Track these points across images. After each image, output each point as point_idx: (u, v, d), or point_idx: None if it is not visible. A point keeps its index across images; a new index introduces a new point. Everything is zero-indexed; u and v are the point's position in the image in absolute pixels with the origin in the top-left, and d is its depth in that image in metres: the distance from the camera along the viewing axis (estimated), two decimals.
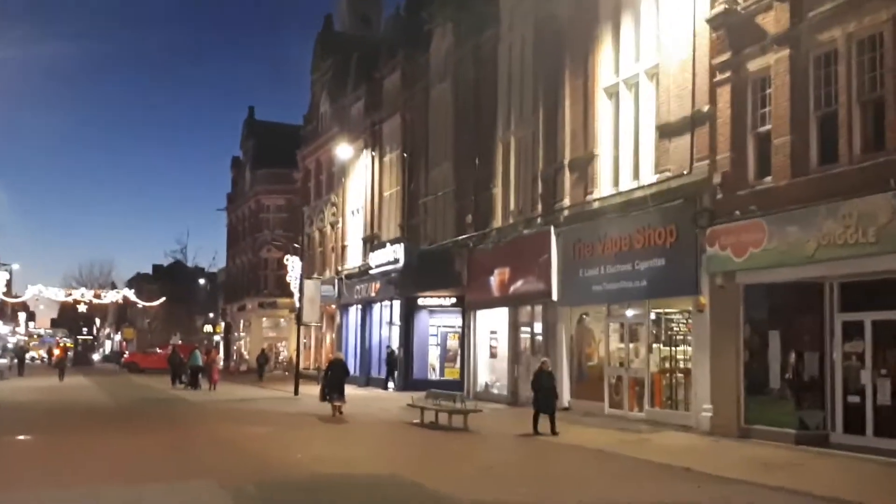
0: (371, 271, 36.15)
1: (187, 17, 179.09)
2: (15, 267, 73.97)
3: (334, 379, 22.83)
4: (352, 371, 29.75)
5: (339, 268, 42.28)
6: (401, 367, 33.60)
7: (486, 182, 27.94)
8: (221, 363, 44.78)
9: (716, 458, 13.98)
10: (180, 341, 67.00)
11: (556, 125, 23.72)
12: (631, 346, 20.72)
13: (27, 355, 65.54)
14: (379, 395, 31.82)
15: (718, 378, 17.22)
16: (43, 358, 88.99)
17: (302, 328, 38.23)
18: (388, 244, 34.50)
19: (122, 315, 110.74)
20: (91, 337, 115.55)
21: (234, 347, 65.63)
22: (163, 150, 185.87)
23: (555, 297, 23.14)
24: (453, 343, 33.04)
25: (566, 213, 22.95)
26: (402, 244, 33.17)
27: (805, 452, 14.46)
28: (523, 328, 25.97)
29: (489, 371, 28.32)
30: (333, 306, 42.48)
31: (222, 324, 69.60)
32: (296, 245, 43.41)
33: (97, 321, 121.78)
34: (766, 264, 15.97)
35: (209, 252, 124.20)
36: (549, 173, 24.13)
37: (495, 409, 24.05)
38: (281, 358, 56.51)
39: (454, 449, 16.13)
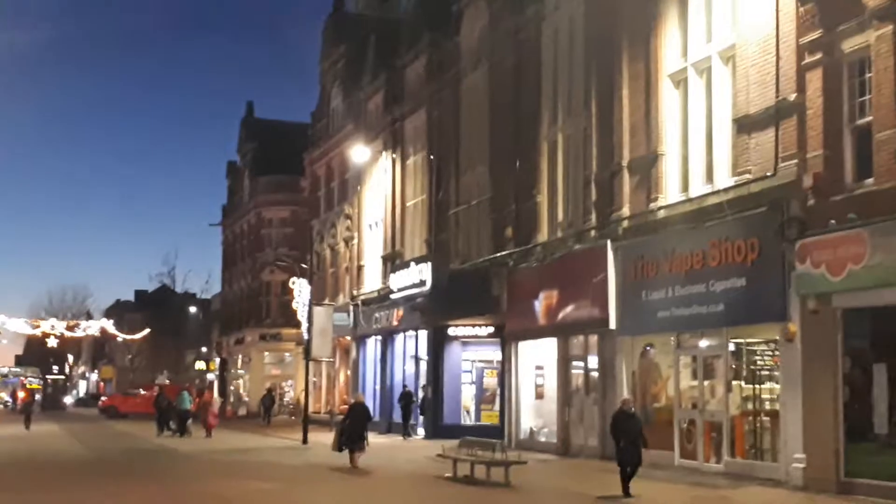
0: (393, 296, 36.24)
1: None
2: None
3: (355, 425, 22.90)
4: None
5: (355, 292, 42.41)
6: (428, 409, 33.58)
7: (528, 189, 27.95)
8: (218, 406, 44.93)
9: None
10: (168, 381, 67.54)
11: (612, 119, 23.70)
12: (706, 383, 20.58)
13: None
14: (403, 443, 31.81)
15: (812, 421, 17.04)
16: (6, 402, 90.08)
17: (311, 364, 38.36)
18: (412, 263, 34.59)
19: (99, 350, 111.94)
20: (63, 376, 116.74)
21: (232, 387, 65.98)
22: (147, 155, 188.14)
23: (613, 324, 23.07)
24: (491, 381, 32.96)
25: (625, 224, 22.89)
26: (430, 263, 33.24)
27: None
28: (575, 362, 25.90)
29: (534, 414, 28.23)
30: (348, 338, 42.57)
31: (217, 360, 70.05)
32: (303, 265, 43.60)
33: (70, 358, 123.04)
34: (869, 284, 15.81)
35: (202, 275, 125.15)
36: (604, 177, 24.10)
37: (543, 460, 23.97)
38: (286, 400, 56.75)
39: None
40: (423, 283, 33.30)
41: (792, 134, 17.83)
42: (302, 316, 42.45)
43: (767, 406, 18.93)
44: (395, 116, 39.09)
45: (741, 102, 19.28)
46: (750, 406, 19.43)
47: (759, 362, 19.43)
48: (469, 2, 32.85)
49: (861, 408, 16.26)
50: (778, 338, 18.19)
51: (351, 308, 42.01)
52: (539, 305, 26.65)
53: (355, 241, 43.59)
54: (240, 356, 63.83)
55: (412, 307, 34.82)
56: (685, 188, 21.34)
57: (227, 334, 66.18)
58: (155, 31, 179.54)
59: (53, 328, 75.53)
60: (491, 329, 31.38)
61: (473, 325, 32.26)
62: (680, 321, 20.78)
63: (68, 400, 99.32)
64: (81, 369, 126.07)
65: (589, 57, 25.23)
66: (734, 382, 19.75)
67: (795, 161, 17.67)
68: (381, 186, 40.46)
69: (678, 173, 21.61)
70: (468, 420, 33.31)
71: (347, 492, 18.92)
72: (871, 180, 16.17)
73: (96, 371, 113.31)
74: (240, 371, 64.43)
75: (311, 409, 38.51)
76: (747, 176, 18.94)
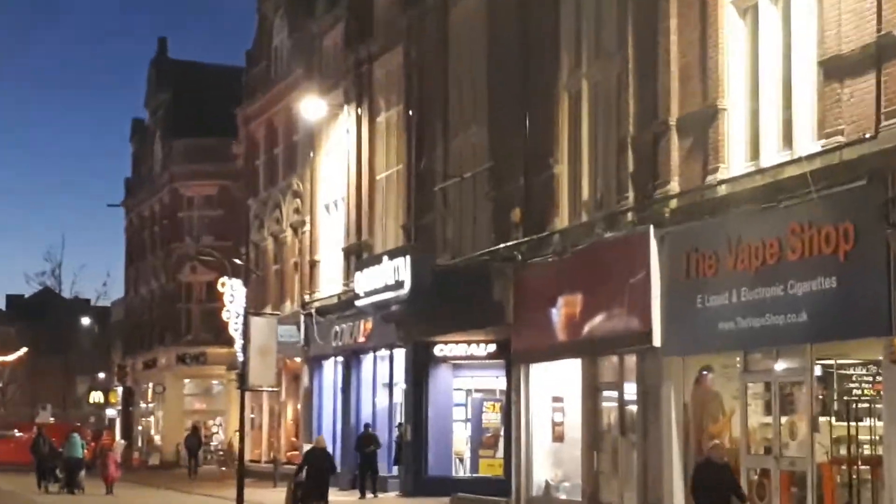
0: (358, 302, 36.20)
1: None
2: None
3: (314, 477, 22.94)
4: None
5: (307, 297, 42.41)
6: (407, 457, 33.61)
7: (542, 156, 27.94)
8: (121, 452, 44.96)
9: None
10: (52, 418, 67.38)
11: (656, 62, 23.68)
12: (783, 420, 20.56)
13: None
14: (374, 502, 31.81)
15: None
16: None
17: (248, 396, 38.29)
18: (385, 258, 34.54)
19: None
20: None
21: (139, 427, 65.94)
22: (19, 110, 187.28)
23: (657, 340, 23.05)
24: (492, 417, 33.04)
25: (674, 203, 22.86)
26: (408, 258, 33.17)
27: None
28: (607, 392, 25.91)
29: (552, 463, 28.24)
30: (298, 359, 42.58)
31: (119, 389, 69.99)
32: (236, 261, 43.60)
33: None
34: None
35: (98, 275, 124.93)
36: (644, 140, 24.08)
37: None
38: (214, 444, 56.79)
39: None
40: (399, 284, 33.23)
41: None
42: (235, 330, 42.45)
43: (867, 450, 18.94)
44: (361, 58, 39.03)
45: (830, 39, 19.27)
46: (843, 450, 19.44)
47: (855, 391, 19.43)
48: None
49: None
50: (881, 358, 18.19)
51: (302, 319, 42.01)
52: (557, 315, 26.63)
53: (307, 227, 43.57)
54: (150, 385, 63.78)
55: (385, 318, 34.81)
56: (754, 155, 21.33)
57: (133, 355, 66.15)
58: None
59: None
60: (492, 347, 31.41)
61: (468, 342, 32.32)
62: (748, 336, 20.75)
63: None
64: None
65: None
66: (822, 419, 19.72)
67: None
68: (341, 153, 40.42)
69: (745, 135, 21.60)
70: (461, 471, 33.40)
71: None
72: None
73: None
74: (150, 405, 64.39)
75: (248, 456, 38.47)
76: (839, 139, 18.94)
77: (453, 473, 33.05)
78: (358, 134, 39.14)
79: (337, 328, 38.91)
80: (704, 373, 22.76)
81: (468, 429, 33.85)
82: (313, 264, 42.66)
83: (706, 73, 22.26)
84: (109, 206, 74.02)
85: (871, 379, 19.02)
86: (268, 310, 44.38)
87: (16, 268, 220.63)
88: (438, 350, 33.22)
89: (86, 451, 38.70)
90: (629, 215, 24.45)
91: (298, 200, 44.52)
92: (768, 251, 20.18)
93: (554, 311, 26.76)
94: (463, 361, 33.20)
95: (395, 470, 34.56)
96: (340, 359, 39.46)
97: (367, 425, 35.28)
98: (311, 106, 38.89)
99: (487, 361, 32.00)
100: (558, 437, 28.02)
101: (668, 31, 23.34)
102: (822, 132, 19.49)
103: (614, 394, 25.58)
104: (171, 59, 65.75)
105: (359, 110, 39.09)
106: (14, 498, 35.73)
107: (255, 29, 52.21)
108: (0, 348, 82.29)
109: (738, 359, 21.56)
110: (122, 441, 57.27)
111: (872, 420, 18.84)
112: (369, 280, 35.14)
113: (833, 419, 19.65)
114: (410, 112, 35.29)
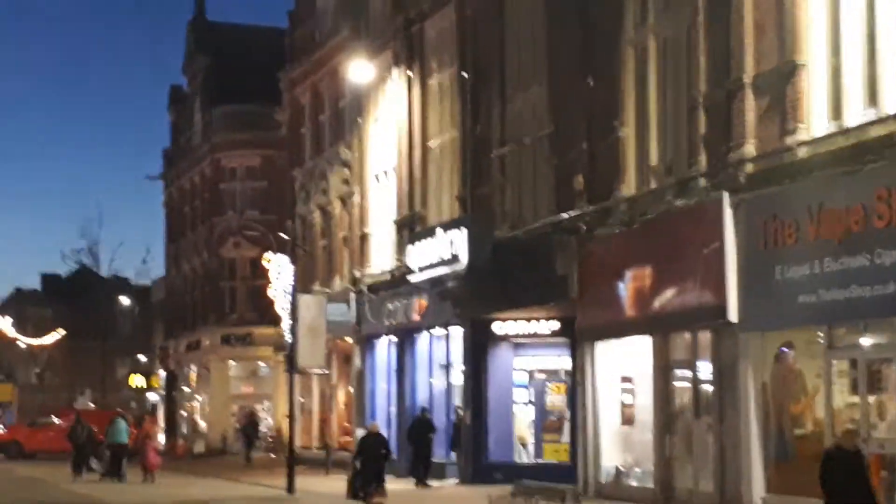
0: (412, 278, 36.26)
1: None
2: None
3: (370, 465, 23.13)
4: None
5: (358, 274, 42.51)
6: (466, 442, 33.73)
7: (606, 119, 27.85)
8: (162, 440, 45.43)
9: None
10: (91, 404, 68.16)
11: (729, 15, 23.53)
12: (871, 399, 20.55)
13: None
14: (423, 492, 32.03)
15: None
16: None
17: (297, 378, 38.47)
18: (439, 231, 34.56)
19: None
20: None
21: (183, 413, 66.48)
22: (54, 78, 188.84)
23: (733, 315, 23.03)
24: (557, 399, 33.05)
25: (750, 168, 22.79)
26: (465, 230, 33.17)
27: None
28: (679, 371, 25.92)
29: (621, 447, 28.32)
30: (349, 339, 42.70)
31: (161, 373, 70.59)
32: (282, 235, 43.76)
33: None
34: None
35: (137, 251, 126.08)
36: (717, 100, 23.99)
37: None
38: (262, 430, 57.17)
39: None
40: (455, 258, 33.26)
41: None
42: (282, 309, 42.68)
43: None
44: (411, 16, 38.97)
45: None
46: None
47: None
48: None
49: None
50: None
51: (352, 297, 42.14)
52: (625, 289, 26.65)
53: (356, 199, 43.63)
54: (194, 368, 64.31)
55: (441, 294, 34.88)
56: (836, 115, 21.21)
57: (175, 336, 66.64)
58: None
59: None
60: (555, 324, 31.37)
61: (529, 320, 32.31)
62: (832, 309, 20.69)
63: None
64: None
65: None
66: None
67: None
68: (392, 119, 40.44)
69: (826, 93, 21.47)
70: (524, 457, 33.51)
71: None
72: None
73: None
74: (194, 389, 64.89)
75: (297, 442, 38.72)
76: None
77: (515, 459, 33.16)
78: (409, 99, 39.09)
79: (390, 306, 38.99)
80: (784, 350, 22.74)
81: (531, 412, 33.91)
82: (363, 238, 42.73)
83: (783, 27, 22.11)
84: (149, 179, 74.33)
85: None
86: (316, 287, 44.59)
87: (52, 245, 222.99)
88: (498, 328, 33.22)
89: (129, 437, 39.11)
90: (701, 181, 24.39)
91: (346, 170, 44.55)
92: (852, 218, 20.09)
93: (621, 285, 26.77)
94: (524, 340, 33.20)
95: (453, 456, 34.65)
96: (394, 338, 39.53)
97: (423, 409, 35.34)
98: (358, 69, 38.86)
99: (551, 340, 31.97)
100: (628, 420, 28.09)
101: None
102: None
103: (687, 373, 25.59)
104: (210, 22, 65.94)
105: (409, 73, 39.03)
106: (45, 486, 36.10)
107: None
108: (36, 331, 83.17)
109: (820, 334, 21.52)
110: (161, 427, 57.65)
111: None
112: (423, 254, 35.18)
113: None
114: (464, 74, 35.21)
